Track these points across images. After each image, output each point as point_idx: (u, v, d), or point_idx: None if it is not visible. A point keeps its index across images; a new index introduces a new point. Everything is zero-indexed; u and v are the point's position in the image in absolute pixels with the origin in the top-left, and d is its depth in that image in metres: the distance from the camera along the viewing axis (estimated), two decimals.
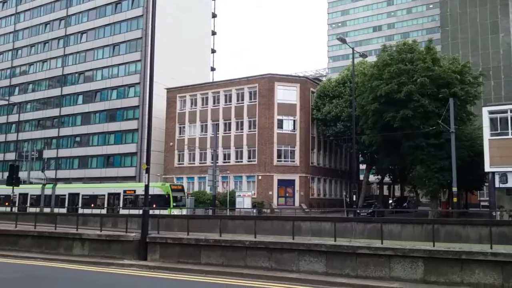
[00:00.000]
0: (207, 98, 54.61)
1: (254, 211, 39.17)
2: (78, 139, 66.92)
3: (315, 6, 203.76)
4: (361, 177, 55.65)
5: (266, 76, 50.84)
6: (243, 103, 51.68)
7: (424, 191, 41.40)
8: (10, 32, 77.01)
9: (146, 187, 18.04)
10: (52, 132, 68.86)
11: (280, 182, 48.83)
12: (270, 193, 48.14)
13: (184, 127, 55.70)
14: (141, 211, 18.79)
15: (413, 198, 58.41)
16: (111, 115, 63.61)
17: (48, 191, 45.04)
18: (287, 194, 48.99)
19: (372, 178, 59.67)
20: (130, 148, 60.91)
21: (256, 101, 50.65)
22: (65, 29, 70.21)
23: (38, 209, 40.84)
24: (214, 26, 75.99)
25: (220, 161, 48.93)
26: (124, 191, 40.63)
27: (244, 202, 40.32)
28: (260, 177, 48.98)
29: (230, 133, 52.01)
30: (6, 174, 44.04)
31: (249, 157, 50.61)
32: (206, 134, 53.27)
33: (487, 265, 12.26)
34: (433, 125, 34.44)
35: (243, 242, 15.59)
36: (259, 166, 49.29)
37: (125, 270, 15.71)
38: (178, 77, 59.41)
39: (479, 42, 68.07)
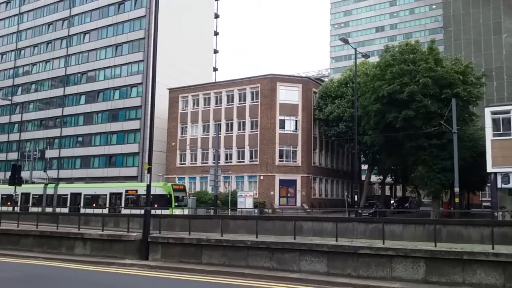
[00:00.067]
0: (209, 98, 54.66)
1: (256, 211, 39.20)
2: (80, 139, 67.04)
3: (318, 7, 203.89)
4: (363, 177, 55.59)
5: (268, 76, 50.86)
6: (245, 103, 51.70)
7: (426, 191, 41.33)
8: (13, 32, 77.20)
9: (148, 187, 18.04)
10: (54, 132, 68.99)
11: (282, 182, 48.83)
12: (272, 193, 48.15)
13: (186, 127, 55.75)
14: (142, 211, 18.82)
15: (415, 198, 58.35)
16: (114, 115, 63.70)
17: (50, 190, 45.15)
18: (288, 194, 48.99)
19: (374, 178, 59.62)
20: (132, 148, 60.99)
21: (258, 101, 50.67)
22: (68, 29, 70.36)
23: (40, 209, 41.01)
24: (216, 26, 76.09)
25: (222, 161, 48.92)
26: (126, 191, 40.71)
27: (245, 202, 40.37)
28: (262, 177, 49.00)
29: (232, 133, 52.04)
30: (8, 173, 44.11)
31: (251, 157, 50.63)
32: (208, 134, 53.31)
33: (489, 265, 12.21)
34: (435, 126, 34.39)
35: (245, 242, 15.58)
36: (261, 166, 49.30)
37: (127, 270, 15.71)
38: (180, 77, 59.46)
39: (482, 43, 67.92)
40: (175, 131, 56.00)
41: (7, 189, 39.69)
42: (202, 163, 52.94)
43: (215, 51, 75.97)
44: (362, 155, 52.15)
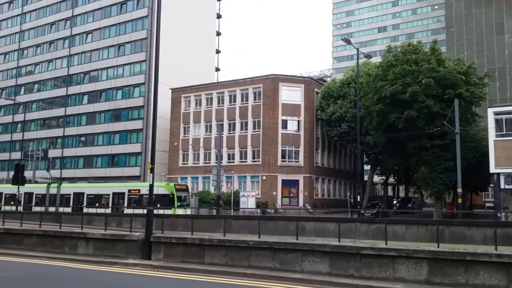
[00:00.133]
0: (211, 98, 54.70)
1: (258, 211, 39.18)
2: (83, 138, 67.18)
3: (320, 7, 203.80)
4: (366, 177, 55.53)
5: (270, 76, 50.86)
6: (247, 103, 51.72)
7: (428, 192, 41.29)
8: (16, 32, 77.38)
9: (151, 187, 18.08)
10: (57, 132, 69.14)
11: (284, 182, 48.82)
12: (274, 193, 48.15)
13: (188, 127, 55.80)
14: (145, 211, 18.82)
15: (418, 199, 58.27)
16: (116, 115, 63.80)
17: (53, 190, 45.24)
18: (291, 195, 48.98)
19: (376, 178, 59.56)
20: (135, 148, 61.08)
21: (260, 102, 50.69)
22: (71, 29, 70.49)
23: (43, 208, 41.11)
24: (218, 26, 76.10)
25: (225, 161, 48.94)
26: (129, 191, 40.74)
27: (248, 202, 40.33)
28: (264, 177, 49.00)
29: (234, 133, 52.08)
30: (11, 173, 44.33)
31: (253, 157, 50.65)
32: (211, 134, 53.35)
33: (492, 266, 12.19)
34: (438, 126, 34.35)
35: (247, 242, 15.59)
36: (263, 166, 49.31)
37: (129, 270, 15.75)
38: (183, 77, 59.54)
39: (485, 43, 67.80)
40: (178, 131, 56.06)
41: (11, 189, 39.78)
42: (204, 163, 52.98)
43: (217, 51, 76.02)
44: (364, 156, 52.09)
